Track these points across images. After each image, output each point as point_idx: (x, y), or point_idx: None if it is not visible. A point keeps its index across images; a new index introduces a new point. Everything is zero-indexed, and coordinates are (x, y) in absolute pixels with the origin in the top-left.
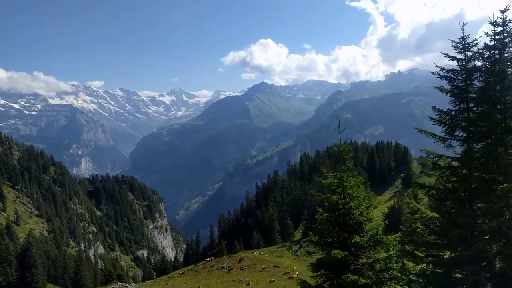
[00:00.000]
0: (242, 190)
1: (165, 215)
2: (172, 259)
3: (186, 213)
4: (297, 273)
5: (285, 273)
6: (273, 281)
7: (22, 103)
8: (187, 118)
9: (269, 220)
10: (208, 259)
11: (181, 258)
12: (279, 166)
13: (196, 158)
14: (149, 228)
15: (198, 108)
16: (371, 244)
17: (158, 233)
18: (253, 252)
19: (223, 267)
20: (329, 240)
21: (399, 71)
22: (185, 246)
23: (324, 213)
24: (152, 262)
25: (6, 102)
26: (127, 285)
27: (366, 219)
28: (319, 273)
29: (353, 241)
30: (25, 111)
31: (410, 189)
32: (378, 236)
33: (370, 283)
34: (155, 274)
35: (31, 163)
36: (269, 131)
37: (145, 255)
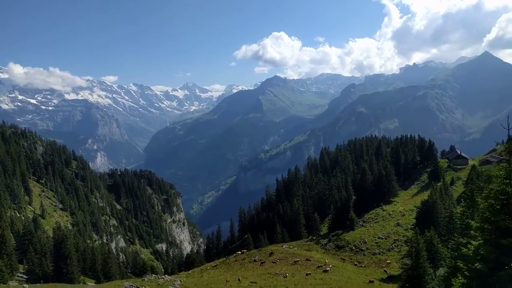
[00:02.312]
0: (256, 184)
1: (182, 209)
2: (189, 252)
3: (200, 207)
4: (330, 266)
5: (318, 266)
6: (310, 274)
7: (39, 98)
8: (200, 112)
9: (294, 214)
10: (239, 252)
11: (200, 251)
12: (292, 160)
13: (209, 153)
14: (167, 222)
15: (211, 103)
16: None
17: (176, 227)
18: (282, 246)
19: (255, 260)
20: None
21: (414, 63)
22: (201, 240)
23: (492, 202)
24: (171, 255)
25: (24, 98)
26: (163, 276)
27: None
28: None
29: None
30: (42, 106)
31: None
32: None
33: None
34: (178, 268)
35: (54, 157)
36: (282, 125)
37: (164, 248)
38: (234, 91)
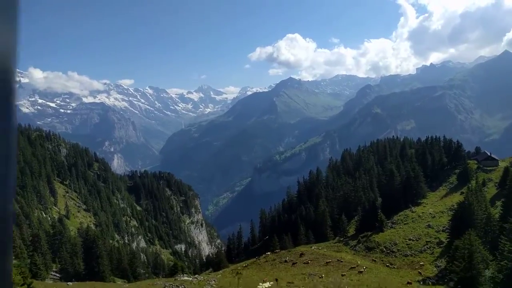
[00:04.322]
0: (271, 186)
1: (200, 210)
2: (209, 253)
3: (215, 208)
4: (364, 268)
5: (351, 268)
6: (344, 274)
7: (58, 102)
8: (215, 114)
9: (320, 215)
10: (268, 252)
11: (217, 252)
12: (307, 162)
13: (224, 155)
14: (186, 223)
15: (226, 105)
16: None
17: (194, 228)
18: (311, 247)
19: (286, 261)
20: None
21: (431, 63)
22: (218, 241)
23: None
24: (190, 255)
25: (43, 101)
26: (196, 276)
27: None
28: None
29: None
30: (60, 110)
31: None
32: None
33: None
34: (200, 268)
35: (77, 159)
36: (297, 127)
37: (183, 249)
38: (249, 93)
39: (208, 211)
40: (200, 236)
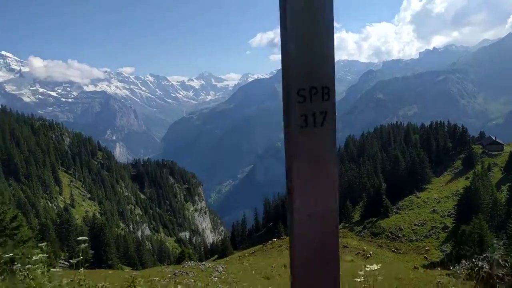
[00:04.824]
0: (273, 173)
1: (204, 198)
2: (211, 241)
3: (217, 196)
4: (370, 253)
5: (357, 253)
6: (352, 260)
7: (59, 90)
8: (216, 102)
9: None
10: (275, 239)
11: (222, 239)
12: None
13: (226, 142)
14: (190, 211)
15: (227, 92)
16: None
17: (198, 216)
18: None
19: None
20: None
21: (434, 47)
22: (222, 228)
23: None
24: (194, 243)
25: (45, 90)
26: (203, 263)
27: None
28: None
29: None
30: (62, 99)
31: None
32: None
33: None
34: (205, 255)
35: (80, 148)
36: None
37: (187, 236)
38: (250, 80)
39: (211, 198)
40: (204, 224)
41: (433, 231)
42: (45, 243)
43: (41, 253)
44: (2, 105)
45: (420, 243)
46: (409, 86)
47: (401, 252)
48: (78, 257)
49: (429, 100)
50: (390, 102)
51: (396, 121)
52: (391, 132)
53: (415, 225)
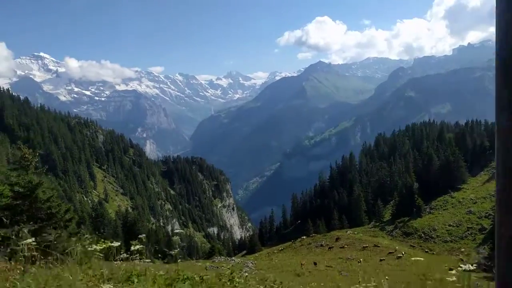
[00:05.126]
0: (300, 171)
1: (231, 194)
2: (239, 237)
3: (245, 193)
4: (403, 253)
5: (389, 253)
6: (383, 259)
7: (93, 90)
8: (244, 100)
9: (355, 200)
10: (304, 236)
11: (251, 236)
12: (338, 147)
13: (253, 140)
14: (218, 207)
15: (254, 90)
16: None
17: (226, 212)
18: (346, 232)
19: (321, 245)
20: None
21: (469, 43)
22: (249, 224)
23: None
24: (222, 238)
25: (79, 90)
26: (233, 258)
27: None
28: None
29: None
30: (95, 98)
31: None
32: None
33: None
34: (233, 251)
35: (113, 145)
36: (327, 111)
37: (216, 232)
38: (277, 78)
39: (238, 195)
40: (232, 220)
41: (469, 232)
42: (100, 236)
43: (104, 243)
44: (41, 104)
45: (455, 244)
46: (442, 83)
47: (434, 253)
48: (173, 251)
49: (464, 97)
50: (422, 99)
51: (429, 119)
52: (424, 131)
53: (449, 225)
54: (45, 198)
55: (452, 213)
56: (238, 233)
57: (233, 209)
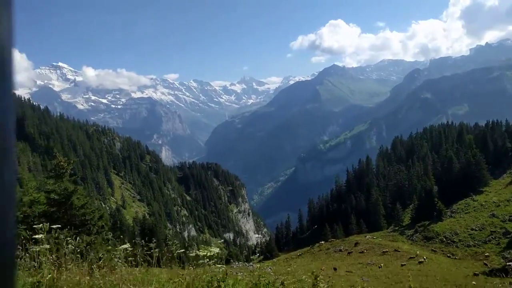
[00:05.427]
0: (315, 175)
1: (247, 199)
2: (255, 242)
3: (260, 198)
4: (424, 258)
5: (410, 257)
6: (405, 264)
7: (109, 98)
8: (258, 105)
9: (373, 205)
10: (322, 241)
11: (267, 241)
12: (353, 150)
13: (267, 145)
14: (233, 212)
15: (268, 95)
16: None
17: (242, 217)
18: (365, 236)
19: (340, 250)
20: None
21: (486, 43)
22: (265, 230)
23: None
24: (238, 244)
25: (96, 98)
26: (252, 263)
27: None
28: None
29: None
30: (112, 105)
31: None
32: None
33: None
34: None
35: (130, 152)
36: (342, 115)
37: (232, 238)
38: (291, 82)
39: (253, 200)
40: (248, 225)
41: (492, 236)
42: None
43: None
44: (60, 113)
45: (478, 248)
46: (459, 84)
47: (457, 257)
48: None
49: (482, 98)
50: (438, 101)
51: (447, 121)
52: (442, 133)
53: (472, 229)
54: (80, 205)
55: (475, 217)
56: (254, 239)
57: (248, 214)
